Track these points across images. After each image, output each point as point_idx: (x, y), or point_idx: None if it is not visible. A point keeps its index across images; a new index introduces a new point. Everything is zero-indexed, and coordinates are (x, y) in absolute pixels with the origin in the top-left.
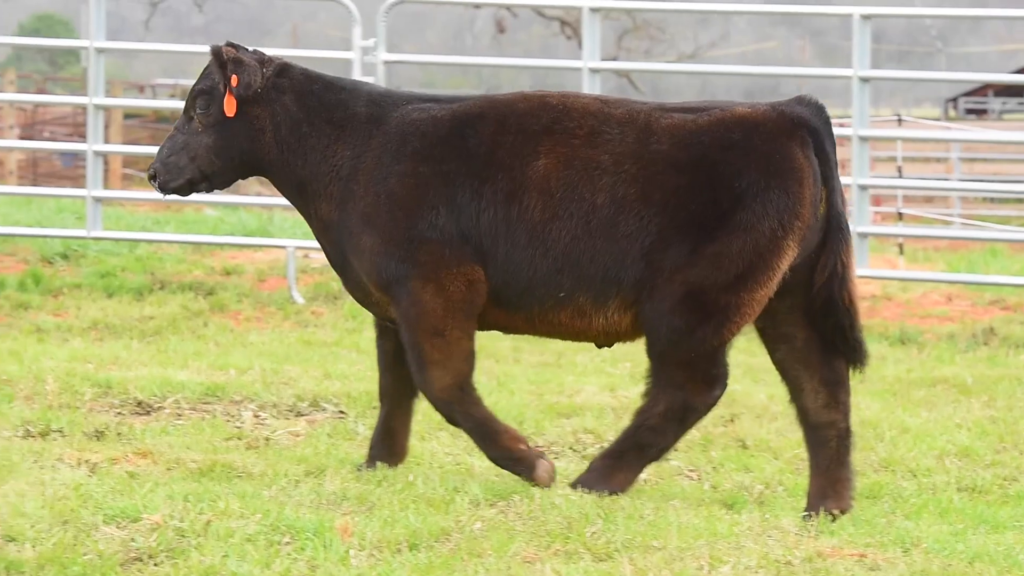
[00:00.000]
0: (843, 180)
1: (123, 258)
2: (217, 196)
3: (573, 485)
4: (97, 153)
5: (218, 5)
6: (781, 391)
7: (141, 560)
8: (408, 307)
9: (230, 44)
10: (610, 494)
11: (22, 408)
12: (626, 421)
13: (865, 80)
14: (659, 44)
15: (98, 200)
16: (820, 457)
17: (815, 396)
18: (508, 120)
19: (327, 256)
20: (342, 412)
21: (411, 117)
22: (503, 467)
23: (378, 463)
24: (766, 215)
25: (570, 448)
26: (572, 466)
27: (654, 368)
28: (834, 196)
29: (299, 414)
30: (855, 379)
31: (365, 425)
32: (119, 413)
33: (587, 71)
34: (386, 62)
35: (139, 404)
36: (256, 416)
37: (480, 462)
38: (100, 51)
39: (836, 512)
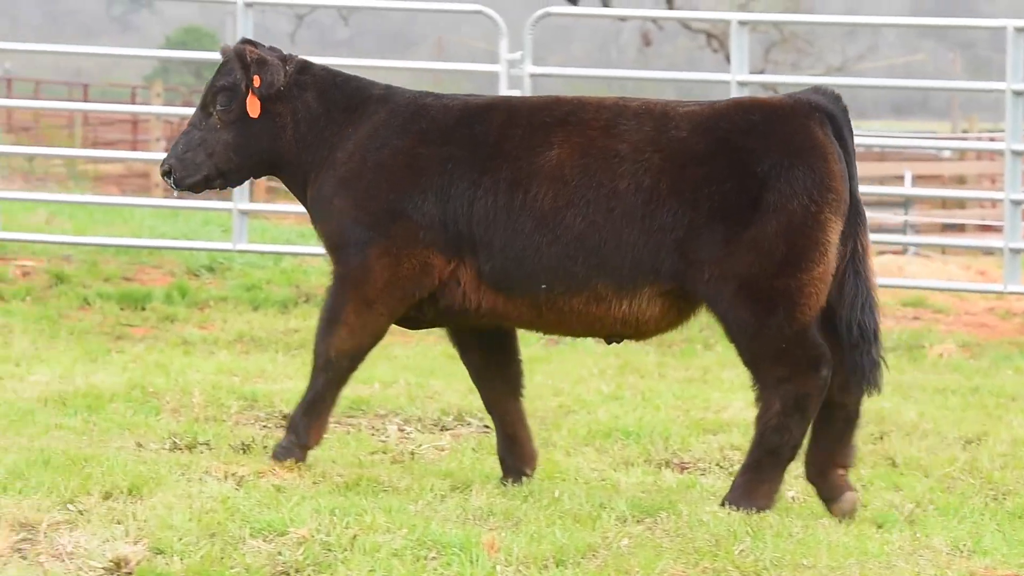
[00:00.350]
0: (996, 195)
1: (268, 271)
2: None
3: (722, 504)
4: None
5: (363, 18)
6: (931, 408)
7: (288, 574)
8: (355, 270)
9: (248, 41)
10: (759, 510)
11: (169, 421)
12: None
13: (1018, 94)
14: (806, 57)
15: (244, 213)
16: (825, 432)
17: (833, 375)
18: (519, 113)
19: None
20: (487, 426)
21: (423, 101)
22: (287, 430)
23: (521, 475)
24: (794, 193)
25: (716, 465)
26: (720, 483)
27: (752, 371)
28: (853, 182)
29: (444, 428)
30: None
31: None
32: (265, 426)
33: (735, 84)
34: (532, 75)
35: (285, 417)
36: (401, 430)
37: (627, 478)
38: None
39: (842, 472)
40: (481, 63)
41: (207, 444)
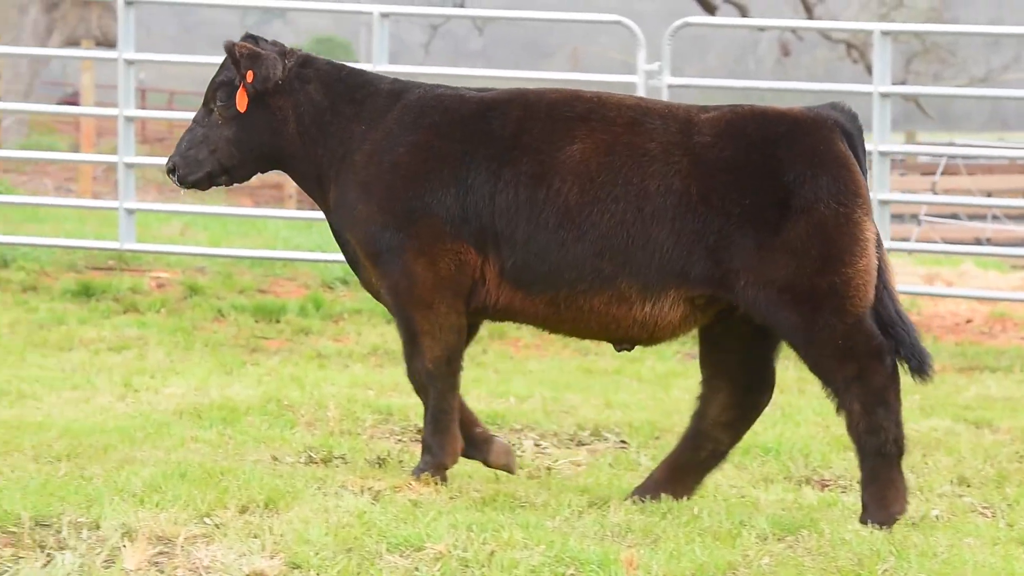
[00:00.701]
0: None
1: None
2: None
3: (862, 521)
4: None
5: (498, 28)
6: None
7: None
8: (400, 278)
9: (249, 36)
10: (898, 516)
11: (304, 434)
12: (917, 455)
13: None
14: (949, 68)
15: None
16: (681, 455)
17: (720, 411)
18: (537, 107)
19: (343, 252)
20: (624, 442)
21: (435, 93)
22: (423, 451)
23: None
24: (819, 199)
25: (858, 482)
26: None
27: (820, 376)
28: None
29: (580, 443)
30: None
31: (647, 456)
32: (400, 440)
33: (877, 96)
34: (670, 86)
35: (419, 431)
36: (537, 445)
37: (767, 495)
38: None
39: (670, 497)
40: (617, 74)
41: (343, 458)
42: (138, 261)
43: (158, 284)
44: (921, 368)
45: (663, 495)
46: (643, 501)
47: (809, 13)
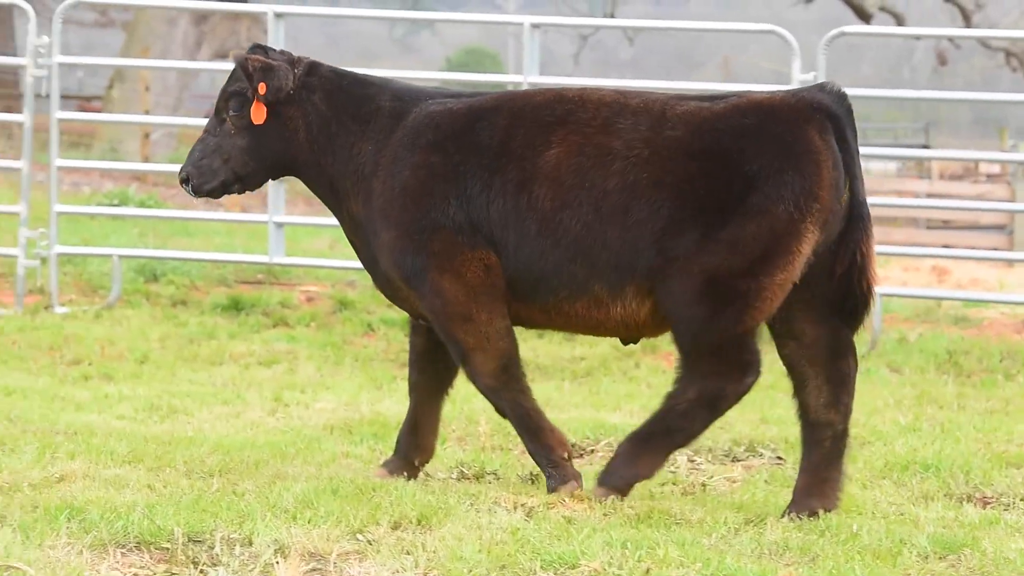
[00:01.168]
0: None
1: None
2: None
3: (600, 479)
4: None
5: (648, 38)
6: None
7: None
8: (432, 298)
9: (258, 47)
10: (636, 479)
11: (455, 449)
12: None
13: None
14: None
15: None
16: (813, 455)
17: (818, 394)
18: (522, 112)
19: (358, 255)
20: (779, 458)
21: (428, 110)
22: (536, 463)
23: (409, 462)
24: (781, 198)
25: (1021, 500)
26: None
27: (683, 358)
28: (855, 184)
29: (735, 459)
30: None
31: None
32: None
33: None
34: None
35: (572, 446)
36: (691, 461)
37: (927, 512)
38: (534, 87)
39: (820, 511)
40: (769, 83)
41: (495, 473)
42: (287, 275)
43: (307, 298)
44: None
45: (817, 506)
46: (799, 518)
47: (967, 21)
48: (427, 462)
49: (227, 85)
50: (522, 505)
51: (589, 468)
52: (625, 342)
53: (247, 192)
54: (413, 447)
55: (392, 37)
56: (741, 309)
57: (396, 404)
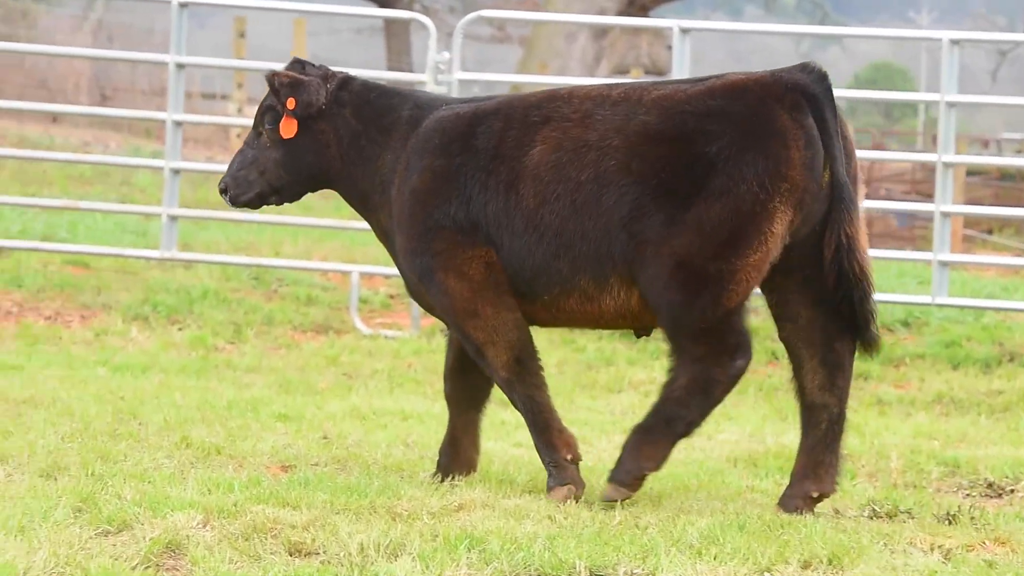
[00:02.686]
0: None
1: (968, 326)
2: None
3: (612, 475)
4: (945, 214)
5: None
6: None
7: None
8: (440, 297)
9: (296, 61)
10: (644, 472)
11: (866, 486)
12: None
13: None
14: None
15: (944, 264)
16: (809, 438)
17: (813, 376)
18: (515, 114)
19: (396, 265)
20: None
21: (439, 116)
22: (541, 459)
23: (447, 472)
24: (743, 179)
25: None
26: None
27: (671, 344)
28: (835, 165)
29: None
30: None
31: None
32: (968, 494)
33: None
34: None
35: (990, 486)
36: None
37: None
38: (951, 105)
39: (815, 495)
40: None
41: (908, 512)
42: None
43: None
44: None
45: (812, 490)
46: (790, 499)
47: None
48: (470, 472)
49: (264, 99)
50: (939, 547)
51: (1009, 509)
52: (637, 334)
53: (285, 203)
54: (454, 461)
55: (798, 52)
56: (716, 292)
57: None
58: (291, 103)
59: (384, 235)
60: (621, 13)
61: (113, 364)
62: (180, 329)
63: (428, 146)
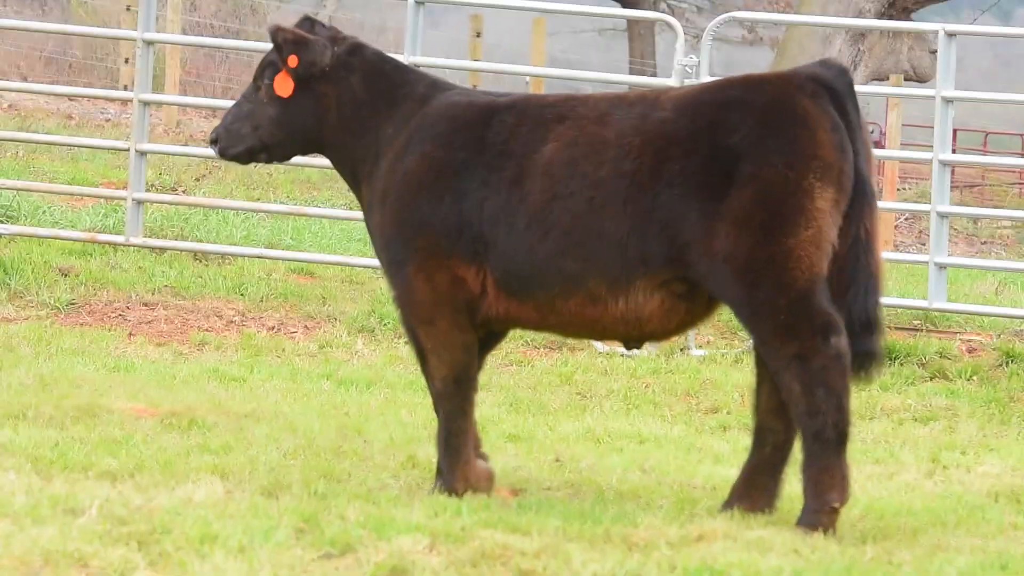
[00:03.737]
0: None
1: None
2: None
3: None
4: (942, 215)
5: None
6: None
7: None
8: (402, 291)
9: (306, 19)
10: (837, 505)
11: None
12: None
13: None
14: None
15: (941, 267)
16: (753, 458)
17: (767, 398)
18: (529, 111)
19: (372, 242)
20: None
21: (451, 101)
22: (438, 478)
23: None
24: (769, 163)
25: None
26: None
27: (761, 349)
28: (859, 160)
29: None
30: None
31: None
32: None
33: None
34: None
35: None
36: None
37: None
38: (947, 101)
39: (744, 511)
40: None
41: None
42: (947, 322)
43: (969, 348)
44: (862, 372)
45: (739, 505)
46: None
47: None
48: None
49: (267, 54)
50: None
51: None
52: (628, 345)
53: (273, 163)
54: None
55: None
56: (776, 276)
57: None
58: (293, 61)
59: (367, 208)
60: (881, 15)
61: (337, 378)
62: (407, 343)
63: (433, 131)
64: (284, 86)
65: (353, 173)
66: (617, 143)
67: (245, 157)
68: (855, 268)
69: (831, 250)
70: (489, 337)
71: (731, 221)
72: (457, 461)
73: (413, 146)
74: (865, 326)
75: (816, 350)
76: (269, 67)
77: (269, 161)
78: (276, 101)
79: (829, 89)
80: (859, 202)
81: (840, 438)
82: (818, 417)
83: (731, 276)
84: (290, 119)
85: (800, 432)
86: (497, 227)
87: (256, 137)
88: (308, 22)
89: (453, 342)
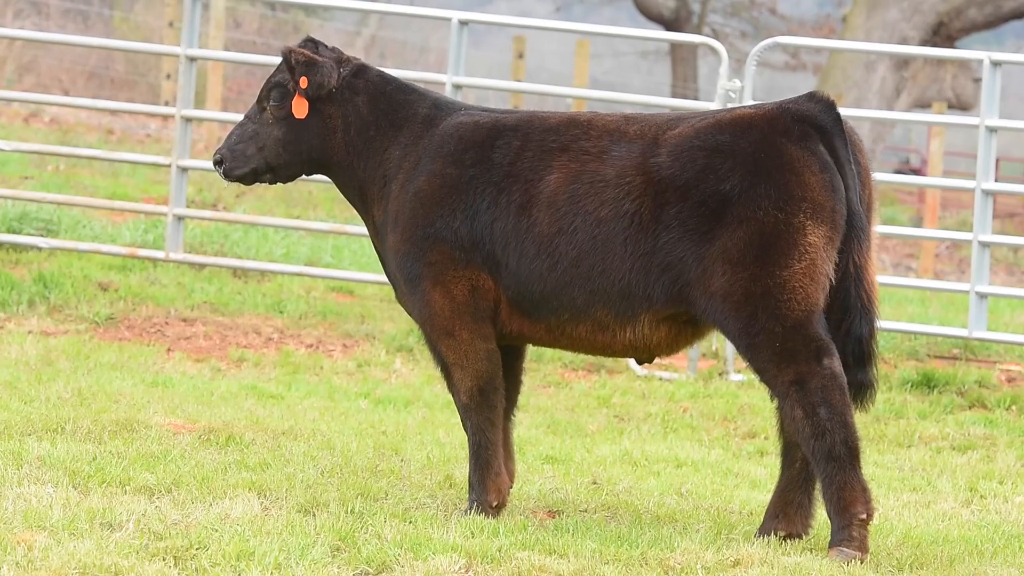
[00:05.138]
0: None
1: None
2: None
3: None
4: (983, 244)
5: None
6: None
7: None
8: (421, 307)
9: (309, 40)
10: (863, 518)
11: None
12: None
13: None
14: None
15: (982, 296)
16: (783, 476)
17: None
18: (534, 135)
19: (382, 265)
20: None
21: (458, 121)
22: (469, 490)
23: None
24: (759, 207)
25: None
26: None
27: (764, 383)
28: (849, 194)
29: None
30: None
31: None
32: None
33: None
34: None
35: None
36: None
37: None
38: (991, 130)
39: (783, 535)
40: None
41: None
42: (986, 351)
43: (1008, 378)
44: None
45: (781, 530)
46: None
47: None
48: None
49: (272, 75)
50: None
51: None
52: (640, 361)
53: (278, 183)
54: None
55: None
56: (771, 307)
57: None
58: (304, 82)
59: (376, 232)
60: (925, 43)
61: (375, 397)
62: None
63: (442, 151)
64: (300, 108)
65: (361, 195)
66: (617, 183)
67: (250, 178)
68: (846, 301)
69: (827, 283)
70: (508, 354)
71: (726, 260)
72: (488, 473)
73: (422, 166)
74: (858, 358)
75: (812, 372)
76: (276, 88)
77: (273, 182)
78: (282, 122)
79: (817, 128)
80: (851, 236)
81: (851, 453)
82: (825, 437)
83: (730, 311)
84: (296, 140)
85: (811, 458)
86: (508, 250)
87: (261, 158)
88: (312, 43)
89: (476, 352)
